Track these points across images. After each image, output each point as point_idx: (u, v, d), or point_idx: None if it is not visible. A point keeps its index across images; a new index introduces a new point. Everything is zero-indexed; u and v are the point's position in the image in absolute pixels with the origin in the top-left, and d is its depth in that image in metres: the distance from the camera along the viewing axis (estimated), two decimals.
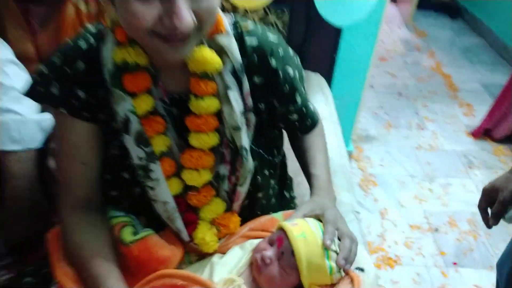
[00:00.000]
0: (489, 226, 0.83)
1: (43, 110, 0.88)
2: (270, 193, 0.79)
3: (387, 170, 2.05)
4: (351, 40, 1.58)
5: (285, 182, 0.88)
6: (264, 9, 1.45)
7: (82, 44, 0.63)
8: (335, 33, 1.52)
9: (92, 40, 0.63)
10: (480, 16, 3.44)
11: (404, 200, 1.87)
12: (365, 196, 1.90)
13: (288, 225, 0.63)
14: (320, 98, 1.48)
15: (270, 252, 0.62)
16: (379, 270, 1.55)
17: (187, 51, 0.58)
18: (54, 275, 0.64)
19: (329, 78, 1.64)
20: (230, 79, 0.64)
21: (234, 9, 1.46)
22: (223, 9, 1.46)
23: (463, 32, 3.57)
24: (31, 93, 0.64)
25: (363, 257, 0.66)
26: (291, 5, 1.47)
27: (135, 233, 0.66)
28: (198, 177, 0.67)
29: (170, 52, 0.56)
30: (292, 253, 0.61)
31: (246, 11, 1.46)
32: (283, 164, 0.86)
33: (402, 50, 3.36)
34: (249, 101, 0.67)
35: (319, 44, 1.55)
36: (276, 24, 1.50)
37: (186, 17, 0.52)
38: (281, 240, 0.62)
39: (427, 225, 1.74)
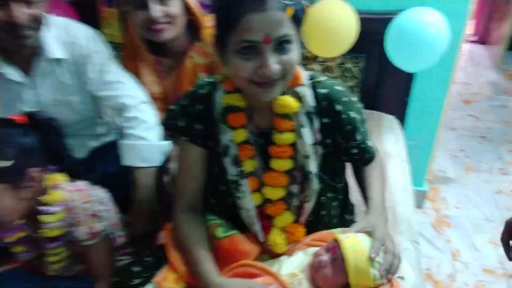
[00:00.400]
0: (510, 258, 0.89)
1: (164, 139, 1.17)
2: (332, 213, 0.95)
3: (463, 212, 2.04)
4: (424, 84, 1.68)
5: (347, 206, 1.03)
6: (342, 56, 1.65)
7: (201, 91, 0.89)
8: (408, 77, 1.65)
9: (208, 88, 0.89)
10: None
11: (478, 243, 1.85)
12: (437, 237, 1.91)
13: (342, 237, 0.79)
14: (390, 137, 1.60)
15: (325, 257, 0.79)
16: None
17: (275, 93, 0.80)
18: (168, 256, 0.88)
19: (402, 120, 1.76)
20: (303, 119, 0.84)
21: (315, 57, 1.68)
22: (306, 58, 1.69)
23: None
24: (164, 124, 0.92)
25: (404, 268, 0.79)
26: (366, 53, 1.64)
27: (225, 232, 0.87)
28: (274, 193, 0.87)
29: (262, 94, 0.78)
30: (342, 259, 0.77)
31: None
32: (346, 191, 1.02)
33: (489, 93, 3.28)
34: (318, 136, 0.86)
35: (392, 88, 1.68)
36: (351, 70, 1.69)
37: (275, 68, 0.74)
38: (335, 249, 0.79)
39: (501, 270, 1.70)
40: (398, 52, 1.46)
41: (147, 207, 1.10)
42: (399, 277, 0.77)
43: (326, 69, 1.73)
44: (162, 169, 1.15)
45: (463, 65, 3.83)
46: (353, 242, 0.78)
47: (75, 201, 0.86)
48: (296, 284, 0.78)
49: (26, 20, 0.97)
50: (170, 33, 1.19)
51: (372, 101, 1.71)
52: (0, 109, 1.11)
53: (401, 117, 1.75)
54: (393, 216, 1.18)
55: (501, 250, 1.78)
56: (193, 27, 1.27)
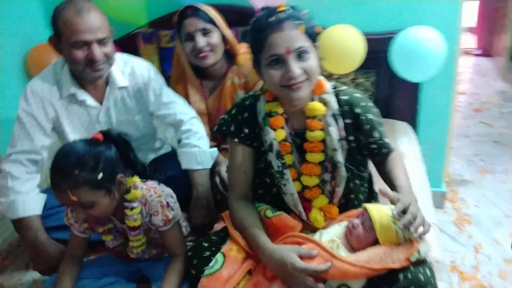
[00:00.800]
0: None
1: (211, 146, 1.40)
2: (360, 197, 1.14)
3: (482, 210, 2.17)
4: (430, 92, 1.88)
5: (372, 194, 1.22)
6: (354, 72, 1.87)
7: (247, 102, 1.12)
8: (415, 87, 1.86)
9: (251, 100, 1.12)
10: None
11: (499, 237, 1.97)
12: (459, 233, 2.03)
13: (368, 204, 0.99)
14: (405, 140, 1.79)
15: (357, 220, 0.97)
16: None
17: (303, 94, 1.01)
18: (230, 233, 1.08)
19: (414, 126, 1.95)
20: (330, 120, 1.05)
21: (330, 75, 1.91)
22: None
23: None
24: (218, 130, 1.15)
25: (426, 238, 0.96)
26: (375, 68, 1.87)
27: (273, 212, 1.07)
28: (311, 180, 1.06)
29: (293, 95, 1.00)
30: (370, 219, 0.95)
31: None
32: (370, 181, 1.20)
33: (498, 101, 3.44)
34: (343, 133, 1.07)
35: (401, 98, 1.89)
36: (364, 84, 1.91)
37: (297, 72, 0.97)
38: (363, 213, 0.98)
39: None
40: (402, 65, 1.68)
41: (203, 202, 1.31)
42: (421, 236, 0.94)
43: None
44: (212, 171, 1.38)
45: (471, 77, 4.02)
46: (377, 207, 0.97)
47: (151, 196, 1.08)
48: (334, 248, 0.96)
49: (101, 57, 1.24)
50: (212, 59, 1.47)
51: (385, 111, 1.91)
52: (81, 129, 1.36)
53: (413, 124, 1.94)
54: None
55: None
56: (229, 54, 1.55)
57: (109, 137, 1.06)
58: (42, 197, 1.29)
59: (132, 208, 1.07)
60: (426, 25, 1.70)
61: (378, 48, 1.75)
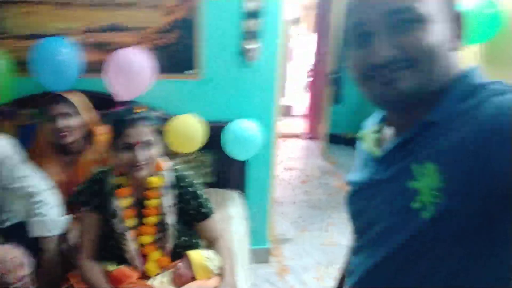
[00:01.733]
0: None
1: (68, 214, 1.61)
2: (188, 249, 1.50)
3: (297, 261, 2.75)
4: (254, 168, 2.44)
5: (197, 245, 1.58)
6: (197, 151, 2.32)
7: (98, 177, 1.42)
8: (243, 164, 2.40)
9: (101, 175, 1.42)
10: None
11: (307, 279, 2.54)
12: (279, 281, 2.54)
13: (189, 251, 1.37)
14: (234, 205, 2.26)
15: (180, 264, 1.35)
16: None
17: (144, 173, 1.33)
18: None
19: (244, 194, 2.46)
20: (164, 191, 1.42)
21: (177, 153, 2.32)
22: (172, 154, 2.32)
23: None
24: (72, 199, 1.40)
25: None
26: (213, 148, 2.35)
27: (113, 267, 1.35)
28: (147, 239, 1.39)
29: (137, 174, 1.34)
30: (189, 261, 1.32)
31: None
32: (196, 237, 1.58)
33: (318, 174, 4.36)
34: (174, 202, 1.43)
35: (234, 172, 2.40)
36: (205, 161, 2.37)
37: (141, 158, 1.33)
38: (185, 258, 1.36)
39: None
40: (231, 147, 2.20)
41: (51, 265, 1.49)
42: None
43: (187, 161, 2.38)
44: (62, 238, 1.57)
45: (301, 155, 4.99)
46: (195, 252, 1.36)
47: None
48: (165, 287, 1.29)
49: None
50: (70, 138, 1.75)
51: (221, 182, 2.39)
52: None
53: (243, 192, 2.46)
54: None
55: (323, 283, 2.54)
56: (89, 133, 1.84)
57: None
58: None
59: None
60: (250, 117, 2.29)
61: (215, 133, 2.25)
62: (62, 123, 1.70)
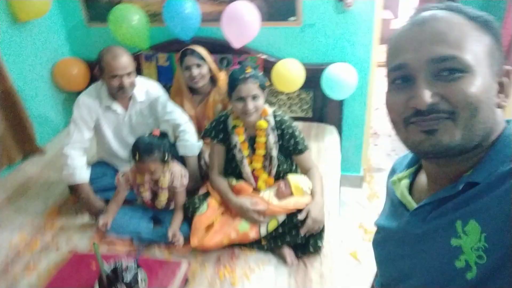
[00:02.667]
0: None
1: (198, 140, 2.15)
2: (286, 174, 1.91)
3: None
4: (350, 106, 2.68)
5: (293, 171, 1.98)
6: (298, 90, 2.64)
7: (221, 118, 1.87)
8: (340, 103, 2.66)
9: (224, 117, 1.87)
10: None
11: None
12: (368, 203, 2.89)
13: (289, 175, 1.79)
14: (331, 138, 2.59)
15: (282, 183, 1.77)
16: None
17: (253, 118, 1.74)
18: (211, 193, 1.85)
19: (339, 128, 2.75)
20: (269, 131, 1.80)
21: (282, 92, 2.67)
22: (277, 92, 2.69)
23: None
24: (204, 135, 1.90)
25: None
26: (312, 88, 2.65)
27: (236, 182, 1.85)
28: (257, 165, 1.83)
29: (248, 119, 1.74)
30: (289, 182, 1.75)
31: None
32: (292, 165, 1.96)
33: None
34: (276, 139, 1.81)
35: (331, 109, 2.68)
36: (305, 99, 2.70)
37: (250, 107, 1.73)
38: (285, 180, 1.78)
39: None
40: (328, 88, 2.47)
41: (193, 175, 2.07)
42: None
43: (289, 98, 2.74)
44: (199, 157, 2.14)
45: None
46: (293, 176, 1.78)
47: (175, 169, 1.84)
48: (270, 199, 1.74)
49: (128, 85, 1.95)
50: (201, 83, 2.23)
51: (320, 117, 2.72)
52: (111, 128, 2.08)
53: (339, 127, 2.75)
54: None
55: None
56: (213, 79, 2.32)
57: (161, 133, 1.80)
58: (89, 171, 2.00)
59: (164, 175, 1.81)
60: (347, 61, 2.49)
61: (314, 74, 2.53)
62: (195, 71, 2.18)
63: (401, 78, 0.66)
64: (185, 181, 1.86)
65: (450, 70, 0.60)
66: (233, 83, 1.71)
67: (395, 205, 0.80)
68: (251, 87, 1.69)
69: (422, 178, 0.77)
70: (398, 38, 0.67)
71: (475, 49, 0.61)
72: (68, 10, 2.80)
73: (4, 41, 2.41)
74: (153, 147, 1.71)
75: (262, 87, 1.74)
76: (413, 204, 0.75)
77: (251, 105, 1.70)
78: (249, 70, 1.71)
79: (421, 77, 0.62)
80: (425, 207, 0.69)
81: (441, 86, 0.61)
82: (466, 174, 0.64)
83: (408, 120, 0.65)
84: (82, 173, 1.96)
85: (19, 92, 2.43)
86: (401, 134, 0.68)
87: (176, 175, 1.84)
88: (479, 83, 0.60)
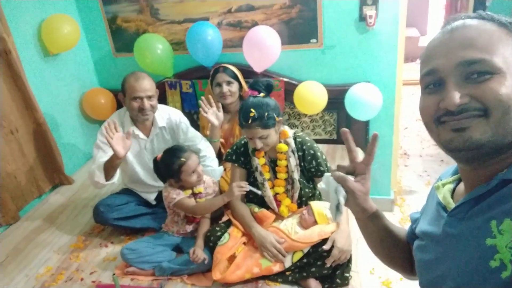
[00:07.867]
0: None
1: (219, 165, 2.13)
2: (309, 199, 1.85)
3: None
4: (376, 126, 2.59)
5: (316, 197, 1.92)
6: (322, 112, 2.59)
7: (243, 142, 1.84)
8: (365, 123, 2.58)
9: (243, 140, 1.84)
10: None
11: None
12: None
13: (312, 201, 1.71)
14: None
15: (305, 211, 1.70)
16: None
17: (268, 149, 1.73)
18: (233, 223, 1.80)
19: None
20: (290, 153, 1.76)
21: (305, 114, 2.63)
22: (299, 115, 2.65)
23: None
24: (225, 159, 1.87)
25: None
26: (336, 109, 2.59)
27: (258, 209, 1.79)
28: (280, 189, 1.78)
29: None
30: (312, 209, 1.67)
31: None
32: (314, 189, 1.90)
33: None
34: (297, 161, 1.78)
35: (356, 130, 2.60)
36: (329, 120, 2.64)
37: (259, 146, 1.70)
38: (309, 207, 1.71)
39: None
40: (351, 109, 2.41)
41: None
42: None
43: (312, 120, 2.69)
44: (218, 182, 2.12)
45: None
46: (317, 203, 1.71)
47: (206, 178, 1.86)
48: (293, 229, 1.67)
49: (148, 107, 1.97)
50: (230, 100, 2.26)
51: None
52: (133, 153, 2.09)
53: (365, 149, 2.66)
54: None
55: None
56: (242, 97, 2.33)
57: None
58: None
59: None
60: (371, 81, 2.43)
61: (337, 96, 2.48)
62: (225, 88, 2.21)
63: (432, 83, 0.69)
64: (217, 187, 1.92)
65: (479, 72, 0.63)
66: (240, 124, 1.70)
67: (437, 209, 0.81)
68: (255, 132, 1.66)
69: (463, 185, 0.78)
70: (429, 46, 0.71)
71: (505, 53, 0.63)
72: (95, 41, 2.90)
73: (35, 74, 2.52)
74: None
75: (271, 125, 1.67)
76: (452, 205, 0.76)
77: (259, 144, 1.67)
78: (253, 114, 1.63)
79: (450, 80, 0.65)
80: (462, 207, 0.70)
81: (471, 88, 0.64)
82: (500, 173, 0.65)
83: (439, 119, 0.68)
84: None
85: (48, 123, 2.51)
86: (433, 135, 0.71)
87: (209, 183, 1.88)
88: (509, 83, 0.62)
